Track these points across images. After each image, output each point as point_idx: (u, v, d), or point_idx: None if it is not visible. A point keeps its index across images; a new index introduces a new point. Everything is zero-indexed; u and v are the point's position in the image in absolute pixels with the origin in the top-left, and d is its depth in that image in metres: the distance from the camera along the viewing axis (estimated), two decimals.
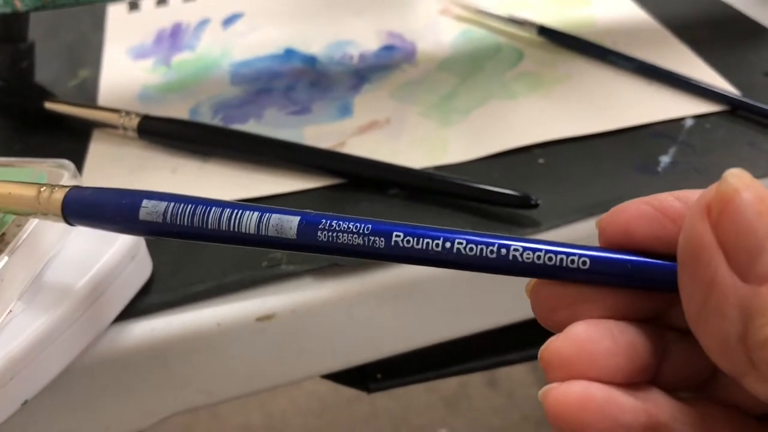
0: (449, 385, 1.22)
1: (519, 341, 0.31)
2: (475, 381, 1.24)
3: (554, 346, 0.15)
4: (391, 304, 0.26)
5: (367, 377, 0.31)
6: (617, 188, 0.28)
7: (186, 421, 1.15)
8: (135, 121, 0.32)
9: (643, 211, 0.15)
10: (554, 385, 0.15)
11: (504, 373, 1.24)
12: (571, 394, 0.14)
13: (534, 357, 0.31)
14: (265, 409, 1.18)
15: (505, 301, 0.28)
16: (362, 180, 0.29)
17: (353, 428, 1.16)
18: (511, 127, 0.32)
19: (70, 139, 0.34)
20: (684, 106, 0.32)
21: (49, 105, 0.34)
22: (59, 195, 0.20)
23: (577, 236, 0.27)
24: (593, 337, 0.15)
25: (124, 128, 0.32)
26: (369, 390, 0.30)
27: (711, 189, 0.13)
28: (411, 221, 0.27)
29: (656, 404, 0.14)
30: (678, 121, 0.31)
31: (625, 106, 0.32)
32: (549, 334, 0.17)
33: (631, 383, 0.14)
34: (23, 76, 0.36)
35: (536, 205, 0.26)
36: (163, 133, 0.32)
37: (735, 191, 0.13)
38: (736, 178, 0.13)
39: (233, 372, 0.26)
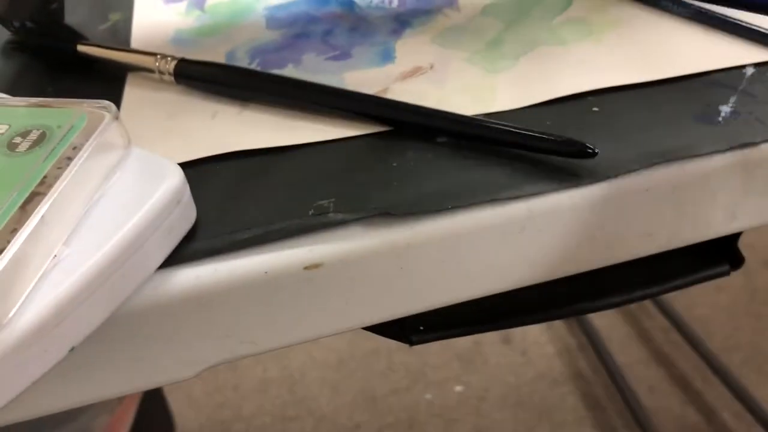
0: (464, 341, 1.23)
1: (567, 295, 0.30)
2: (489, 338, 1.24)
3: None
4: (441, 254, 0.26)
5: (409, 329, 0.30)
6: (677, 138, 0.27)
7: (204, 373, 1.16)
8: (171, 65, 0.31)
9: None
10: None
11: (518, 330, 1.25)
12: None
13: (579, 312, 0.31)
14: (283, 363, 1.19)
15: (554, 255, 0.27)
16: (408, 127, 0.28)
17: (370, 382, 1.17)
18: (562, 74, 0.30)
19: (103, 84, 0.33)
20: (744, 54, 0.31)
21: (81, 48, 0.33)
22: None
23: (637, 187, 0.26)
24: None
25: (160, 72, 0.31)
26: (411, 342, 0.30)
27: None
28: (460, 171, 0.26)
29: None
30: (738, 70, 0.30)
31: (681, 54, 0.31)
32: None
33: None
34: (53, 17, 0.35)
35: (594, 154, 0.25)
36: (201, 77, 0.31)
37: None
38: None
39: (279, 321, 0.26)
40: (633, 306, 1.26)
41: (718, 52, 0.31)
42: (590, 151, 0.25)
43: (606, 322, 1.23)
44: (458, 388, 1.17)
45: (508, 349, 1.25)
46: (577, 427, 1.10)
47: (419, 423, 1.12)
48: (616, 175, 0.26)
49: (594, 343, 1.20)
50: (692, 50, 0.31)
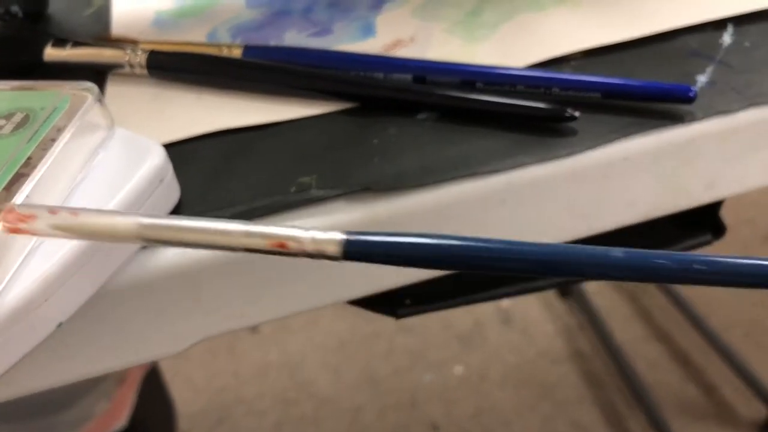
0: (464, 322, 1.24)
1: None
2: (489, 318, 1.25)
3: None
4: (423, 228, 0.26)
5: (395, 303, 0.30)
6: (654, 107, 0.27)
7: (204, 358, 1.17)
8: (143, 58, 0.31)
9: None
10: None
11: (518, 310, 1.25)
12: None
13: (562, 282, 0.31)
14: (282, 347, 1.20)
15: (535, 226, 0.27)
16: (387, 102, 0.29)
17: (371, 364, 1.18)
18: (541, 39, 0.30)
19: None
20: (723, 6, 0.31)
21: (49, 58, 0.32)
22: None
23: (616, 157, 0.26)
24: None
25: (131, 66, 0.31)
26: (397, 316, 0.30)
27: None
28: (441, 146, 0.27)
29: None
30: (715, 39, 0.30)
31: (661, 12, 0.31)
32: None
33: None
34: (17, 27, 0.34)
35: (573, 118, 0.26)
36: (172, 68, 0.31)
37: None
38: None
39: (265, 295, 0.26)
40: (633, 284, 1.26)
41: (697, 6, 0.31)
42: (569, 115, 0.26)
43: (606, 301, 1.24)
44: (459, 368, 1.18)
45: (508, 328, 1.25)
46: (578, 404, 1.11)
47: (420, 404, 1.13)
48: (594, 146, 0.26)
49: (594, 322, 1.21)
50: (670, 5, 0.31)
